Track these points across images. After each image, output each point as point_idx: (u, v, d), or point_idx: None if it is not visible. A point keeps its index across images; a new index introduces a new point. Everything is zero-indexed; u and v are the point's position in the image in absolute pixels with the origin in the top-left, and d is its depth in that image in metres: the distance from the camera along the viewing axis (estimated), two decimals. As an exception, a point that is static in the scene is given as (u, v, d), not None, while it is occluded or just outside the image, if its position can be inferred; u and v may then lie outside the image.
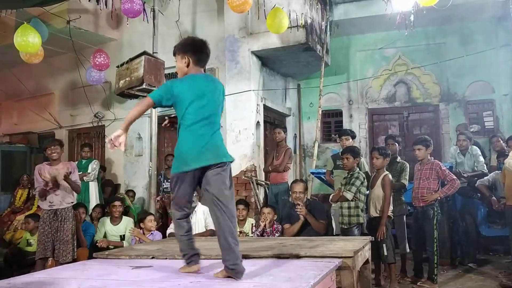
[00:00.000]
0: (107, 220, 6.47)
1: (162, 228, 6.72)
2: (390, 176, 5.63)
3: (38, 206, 7.75)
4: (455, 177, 5.66)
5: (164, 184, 8.07)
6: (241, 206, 6.18)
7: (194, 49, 3.11)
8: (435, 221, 5.55)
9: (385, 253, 5.43)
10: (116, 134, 2.96)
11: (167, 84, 3.04)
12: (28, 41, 6.76)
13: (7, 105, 11.65)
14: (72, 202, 5.80)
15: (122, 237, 6.32)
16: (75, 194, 5.89)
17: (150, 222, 6.08)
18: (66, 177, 5.57)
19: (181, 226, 3.03)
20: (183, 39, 3.26)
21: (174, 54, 3.17)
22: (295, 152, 9.87)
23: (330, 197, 5.96)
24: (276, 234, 5.75)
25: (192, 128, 2.95)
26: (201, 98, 2.98)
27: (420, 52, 9.57)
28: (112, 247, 5.94)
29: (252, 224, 6.17)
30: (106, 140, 2.99)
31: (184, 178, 2.95)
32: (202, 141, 2.92)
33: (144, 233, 6.04)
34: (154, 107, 3.08)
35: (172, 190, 2.98)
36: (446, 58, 9.06)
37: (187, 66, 3.10)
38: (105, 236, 6.35)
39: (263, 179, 8.23)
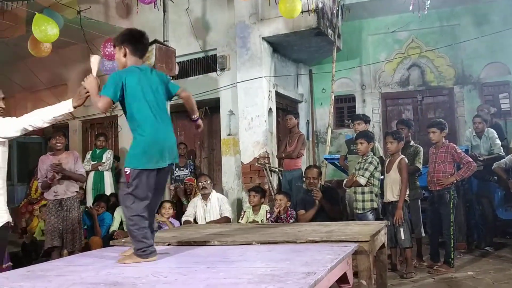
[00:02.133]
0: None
1: (177, 215, 6.76)
2: (406, 159, 5.58)
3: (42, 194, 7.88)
4: (471, 159, 5.59)
5: (175, 172, 8.10)
6: (253, 193, 6.19)
7: (130, 39, 3.11)
8: (451, 205, 5.50)
9: (402, 237, 5.40)
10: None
11: (114, 77, 3.01)
12: (47, 30, 6.79)
13: (22, 97, 11.75)
14: (76, 191, 5.83)
15: (138, 226, 6.34)
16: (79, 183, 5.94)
17: (167, 209, 6.12)
18: (63, 171, 5.59)
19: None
20: (121, 31, 3.26)
21: (114, 46, 3.18)
22: (308, 138, 9.83)
23: (344, 182, 5.94)
24: (291, 220, 5.75)
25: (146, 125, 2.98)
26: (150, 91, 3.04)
27: (433, 34, 9.41)
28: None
29: (266, 210, 6.18)
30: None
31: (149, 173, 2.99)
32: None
33: (160, 221, 6.08)
34: (114, 103, 3.01)
35: (130, 184, 2.92)
36: (460, 39, 8.89)
37: (124, 56, 3.09)
38: (121, 224, 6.40)
39: (277, 166, 8.22)
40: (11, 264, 5.41)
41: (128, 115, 3.00)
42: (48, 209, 5.70)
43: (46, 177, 5.61)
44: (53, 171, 5.54)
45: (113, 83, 2.95)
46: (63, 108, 3.13)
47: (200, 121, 3.48)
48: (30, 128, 3.24)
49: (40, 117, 3.20)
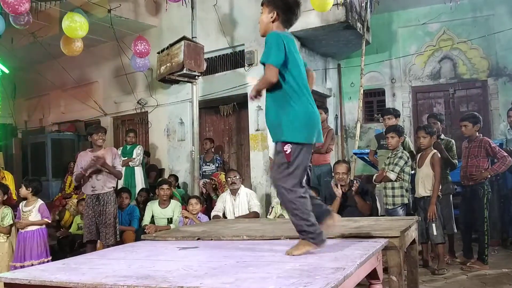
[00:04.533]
0: (155, 203, 6.60)
1: (206, 211, 6.82)
2: (439, 154, 5.48)
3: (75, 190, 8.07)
4: (506, 154, 5.45)
5: (203, 167, 8.17)
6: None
7: (285, 7, 2.84)
8: (485, 200, 5.38)
9: (434, 233, 5.31)
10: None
11: (277, 40, 2.69)
12: (76, 26, 6.97)
13: (55, 95, 12.07)
14: (113, 187, 5.94)
15: (170, 220, 6.45)
16: (116, 179, 6.05)
17: (194, 205, 6.17)
18: (105, 165, 5.71)
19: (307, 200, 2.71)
20: None
21: (262, 4, 2.91)
22: (336, 133, 9.75)
23: (374, 177, 5.87)
24: (320, 216, 5.72)
25: (304, 97, 2.73)
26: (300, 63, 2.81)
27: (466, 26, 9.18)
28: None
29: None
30: None
31: (308, 149, 2.73)
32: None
33: (188, 216, 6.14)
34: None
35: (292, 163, 2.63)
36: (494, 30, 8.66)
37: (272, 22, 2.84)
38: (152, 218, 6.50)
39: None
40: (50, 258, 5.59)
41: (285, 83, 2.71)
42: (86, 204, 5.85)
43: (86, 170, 5.73)
44: (95, 163, 5.65)
45: (276, 47, 2.66)
46: None
47: None
48: None
49: None
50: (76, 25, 7.07)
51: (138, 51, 8.07)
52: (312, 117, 2.75)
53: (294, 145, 2.65)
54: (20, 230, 5.58)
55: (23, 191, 5.64)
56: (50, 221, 5.93)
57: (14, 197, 6.88)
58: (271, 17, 2.83)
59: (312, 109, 2.77)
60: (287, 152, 2.63)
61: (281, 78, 2.70)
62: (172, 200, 6.66)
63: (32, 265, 5.04)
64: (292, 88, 2.71)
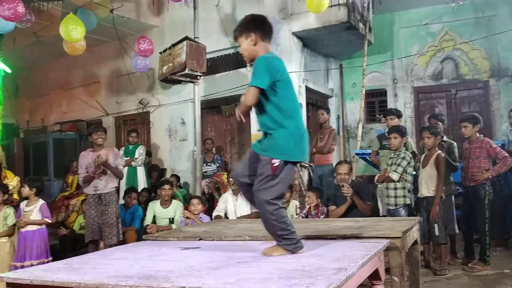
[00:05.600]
0: (157, 203, 6.61)
1: (208, 210, 6.82)
2: (443, 154, 5.48)
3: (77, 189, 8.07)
4: (507, 154, 5.45)
5: (203, 167, 8.17)
6: (285, 189, 6.18)
7: (256, 25, 2.85)
8: (486, 201, 5.38)
9: (437, 233, 5.31)
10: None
11: (265, 63, 2.71)
12: (72, 31, 6.97)
13: (57, 95, 12.09)
14: (115, 187, 5.94)
15: (171, 220, 6.45)
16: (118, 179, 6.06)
17: (195, 205, 6.17)
18: (106, 164, 5.71)
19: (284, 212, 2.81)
20: (241, 20, 2.96)
21: (236, 38, 2.94)
22: (338, 133, 9.76)
23: (376, 177, 5.87)
24: (321, 217, 5.72)
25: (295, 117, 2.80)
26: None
27: (468, 26, 9.18)
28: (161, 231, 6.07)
29: (296, 206, 6.17)
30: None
31: (293, 167, 2.84)
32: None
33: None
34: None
35: (276, 176, 2.70)
36: (496, 31, 8.65)
37: (255, 45, 2.85)
38: (154, 218, 6.50)
39: (307, 161, 8.19)
40: (51, 258, 5.59)
41: (275, 105, 2.74)
42: (88, 203, 5.84)
43: (87, 172, 5.74)
44: (99, 165, 5.65)
45: (263, 70, 2.69)
46: None
47: None
48: None
49: None
50: (72, 29, 7.07)
51: (142, 49, 8.04)
52: (301, 138, 2.82)
53: (282, 161, 2.72)
54: (21, 229, 5.58)
55: (26, 191, 5.64)
56: (50, 221, 5.92)
57: (16, 196, 6.89)
58: (251, 41, 2.84)
59: (302, 131, 2.84)
60: (274, 165, 2.69)
61: (273, 99, 2.74)
62: (173, 200, 6.66)
63: (32, 265, 5.03)
64: (284, 109, 2.75)
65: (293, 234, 2.74)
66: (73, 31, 6.99)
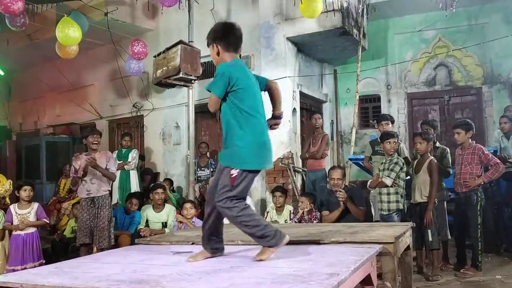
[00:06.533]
0: (149, 207, 6.58)
1: (201, 215, 6.80)
2: (435, 160, 5.50)
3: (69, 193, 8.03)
4: (499, 161, 5.47)
5: (197, 172, 8.15)
6: (278, 193, 6.20)
7: (220, 35, 2.92)
8: (478, 207, 5.40)
9: (430, 239, 5.33)
10: None
11: (223, 72, 2.81)
12: (69, 34, 6.95)
13: (50, 97, 12.03)
14: (108, 190, 5.91)
15: (164, 224, 6.42)
16: (111, 182, 6.03)
17: (188, 209, 6.15)
18: (96, 166, 5.66)
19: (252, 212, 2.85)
20: (211, 28, 3.01)
21: (208, 45, 3.02)
22: (332, 138, 9.78)
23: (368, 182, 5.88)
24: (315, 222, 5.73)
25: (256, 125, 2.83)
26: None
27: (461, 33, 9.24)
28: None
29: (290, 211, 6.17)
30: None
31: (254, 175, 2.84)
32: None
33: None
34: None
35: (235, 187, 2.73)
36: (489, 38, 8.69)
37: (218, 54, 2.93)
38: (147, 222, 6.47)
39: (300, 166, 8.19)
40: (44, 261, 5.57)
41: (232, 114, 2.80)
42: (81, 207, 5.80)
43: (76, 172, 5.71)
44: (87, 163, 5.62)
45: (220, 79, 2.78)
46: None
47: (281, 119, 3.14)
48: None
49: None
50: (68, 37, 7.05)
51: (136, 51, 8.02)
52: (262, 146, 2.84)
53: (241, 171, 2.74)
54: (19, 232, 5.56)
55: (27, 193, 5.63)
56: (48, 222, 5.95)
57: (8, 200, 6.84)
58: (216, 51, 2.95)
59: (263, 138, 2.86)
60: (232, 176, 2.73)
61: (233, 106, 2.80)
62: (166, 204, 6.64)
63: (35, 267, 5.07)
64: (243, 117, 2.80)
65: (268, 227, 2.76)
66: (69, 34, 6.97)
